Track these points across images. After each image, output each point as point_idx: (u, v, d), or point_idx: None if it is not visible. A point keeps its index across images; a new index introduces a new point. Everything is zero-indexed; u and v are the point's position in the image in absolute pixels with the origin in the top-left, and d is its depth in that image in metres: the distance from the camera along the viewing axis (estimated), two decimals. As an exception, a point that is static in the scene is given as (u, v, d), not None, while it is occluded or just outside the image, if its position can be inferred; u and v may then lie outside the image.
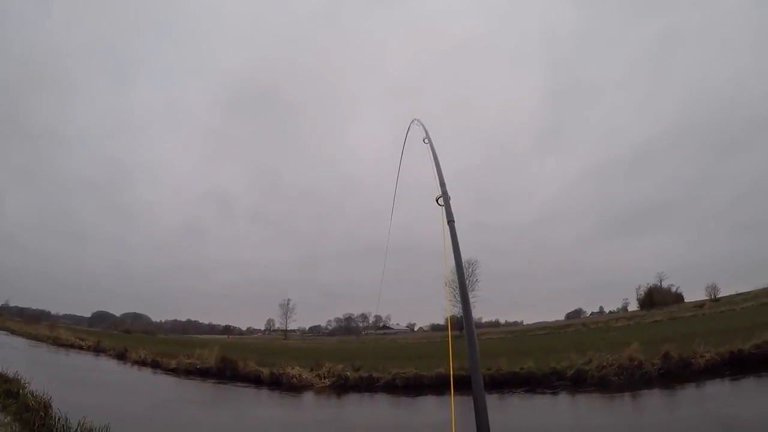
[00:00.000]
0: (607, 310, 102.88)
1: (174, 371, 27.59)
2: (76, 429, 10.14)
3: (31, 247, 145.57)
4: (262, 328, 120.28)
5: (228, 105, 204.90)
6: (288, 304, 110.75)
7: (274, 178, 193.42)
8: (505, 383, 18.69)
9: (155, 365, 30.02)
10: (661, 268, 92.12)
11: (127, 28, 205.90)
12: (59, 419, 10.80)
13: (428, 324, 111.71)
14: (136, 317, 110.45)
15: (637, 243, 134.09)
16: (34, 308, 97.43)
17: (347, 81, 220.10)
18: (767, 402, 12.93)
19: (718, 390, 15.53)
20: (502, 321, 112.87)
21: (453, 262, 2.87)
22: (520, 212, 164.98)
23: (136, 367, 30.82)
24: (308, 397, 20.62)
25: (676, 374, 17.56)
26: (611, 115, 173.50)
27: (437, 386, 19.86)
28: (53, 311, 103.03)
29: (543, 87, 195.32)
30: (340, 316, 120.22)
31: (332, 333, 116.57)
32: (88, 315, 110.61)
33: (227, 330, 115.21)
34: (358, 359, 25.83)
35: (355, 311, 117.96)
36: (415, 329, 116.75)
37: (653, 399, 15.60)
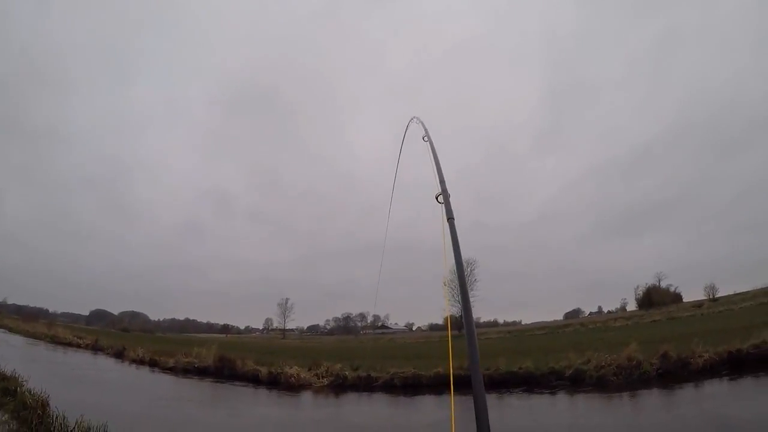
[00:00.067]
0: (605, 310, 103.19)
1: (172, 370, 27.55)
2: (74, 427, 10.10)
3: (29, 245, 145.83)
4: (261, 328, 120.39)
5: (228, 104, 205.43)
6: (286, 303, 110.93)
7: (274, 177, 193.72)
8: (503, 383, 18.68)
9: (153, 364, 29.97)
10: (659, 268, 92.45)
11: (127, 27, 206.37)
12: (57, 417, 10.75)
13: (427, 324, 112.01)
14: (134, 316, 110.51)
15: (636, 243, 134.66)
16: (32, 306, 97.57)
17: (347, 81, 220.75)
18: (765, 402, 12.92)
19: (717, 390, 15.55)
20: (500, 321, 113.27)
21: (453, 260, 2.85)
22: (519, 212, 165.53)
23: (134, 365, 30.75)
24: (306, 396, 20.60)
25: (674, 374, 17.58)
26: (611, 115, 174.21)
27: (435, 386, 19.84)
28: (51, 309, 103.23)
29: (543, 87, 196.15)
30: (339, 316, 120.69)
31: (330, 332, 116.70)
32: (86, 313, 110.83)
33: (225, 329, 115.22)
34: (356, 359, 25.82)
35: (354, 311, 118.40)
36: (414, 329, 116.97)
37: (651, 399, 15.60)
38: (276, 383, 22.71)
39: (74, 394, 15.85)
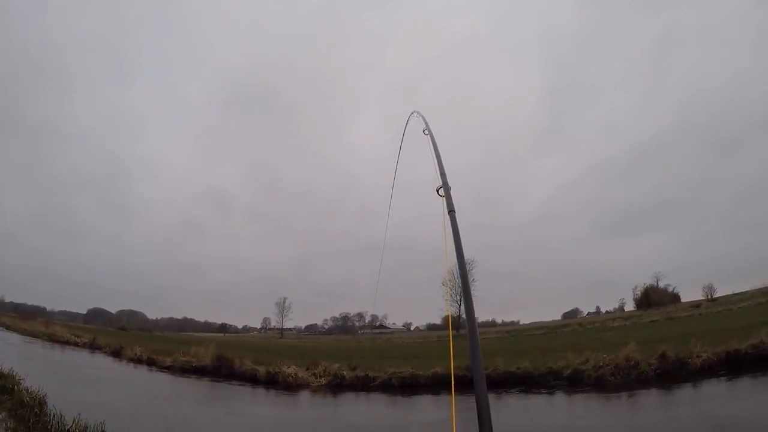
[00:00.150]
0: (603, 310, 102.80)
1: (169, 369, 27.49)
2: (72, 426, 10.08)
3: (27, 242, 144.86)
4: (259, 327, 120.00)
5: (227, 103, 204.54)
6: (284, 302, 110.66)
7: (273, 176, 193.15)
8: (501, 383, 18.66)
9: (151, 363, 29.90)
10: (658, 268, 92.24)
11: (127, 24, 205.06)
12: (54, 416, 10.74)
13: (425, 323, 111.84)
14: (131, 314, 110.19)
15: (635, 243, 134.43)
16: (29, 304, 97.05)
17: (347, 79, 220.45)
18: (763, 401, 12.93)
19: (715, 390, 15.55)
20: (498, 321, 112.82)
21: (454, 253, 2.83)
22: (517, 212, 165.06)
23: (131, 364, 30.66)
24: (304, 396, 20.58)
25: (672, 374, 17.60)
26: (610, 115, 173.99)
27: (433, 386, 19.84)
28: (49, 307, 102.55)
29: (542, 86, 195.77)
30: (337, 315, 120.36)
31: (329, 332, 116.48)
32: (84, 312, 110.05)
33: (223, 328, 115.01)
34: (354, 358, 25.80)
35: (352, 310, 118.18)
36: (412, 329, 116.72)
37: (649, 399, 15.62)
38: (274, 383, 22.69)
39: (71, 393, 15.81)
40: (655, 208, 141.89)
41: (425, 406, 18.16)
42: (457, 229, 2.90)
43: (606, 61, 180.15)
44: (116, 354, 34.88)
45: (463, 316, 2.62)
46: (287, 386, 22.08)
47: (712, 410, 12.65)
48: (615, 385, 17.47)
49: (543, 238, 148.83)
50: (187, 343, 35.86)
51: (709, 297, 78.24)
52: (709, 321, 38.14)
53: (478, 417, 2.13)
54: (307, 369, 23.70)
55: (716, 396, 14.94)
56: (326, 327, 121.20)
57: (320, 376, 22.68)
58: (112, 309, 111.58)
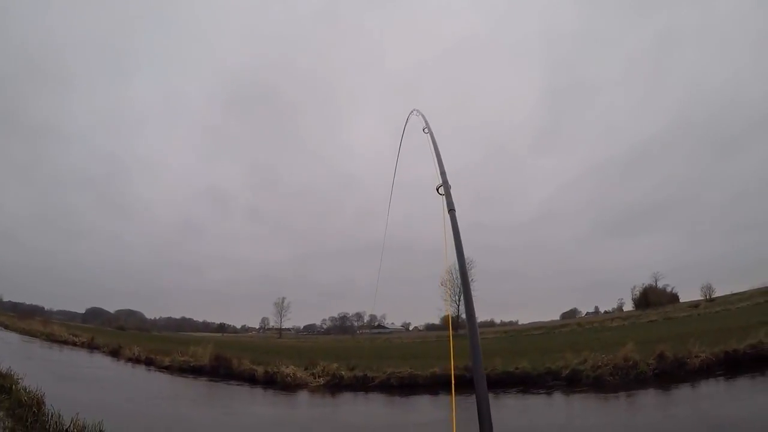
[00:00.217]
0: (602, 310, 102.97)
1: (168, 369, 27.45)
2: (70, 425, 10.06)
3: (26, 242, 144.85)
4: (257, 327, 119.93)
5: (227, 102, 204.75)
6: (283, 302, 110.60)
7: (272, 176, 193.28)
8: (499, 383, 18.63)
9: (149, 362, 29.85)
10: (656, 268, 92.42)
11: (127, 24, 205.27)
12: (52, 415, 10.72)
13: (423, 323, 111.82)
14: (130, 314, 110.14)
15: (634, 243, 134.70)
16: (28, 303, 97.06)
17: (347, 79, 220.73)
18: (760, 401, 12.93)
19: (713, 390, 15.55)
20: (497, 321, 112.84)
21: (454, 252, 2.82)
22: (517, 212, 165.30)
23: (129, 364, 30.62)
24: (302, 396, 20.56)
25: (671, 374, 17.61)
26: (610, 115, 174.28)
27: (432, 386, 19.82)
28: (47, 307, 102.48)
29: (542, 86, 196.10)
30: (335, 315, 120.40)
31: (327, 332, 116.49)
32: (82, 311, 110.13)
33: (221, 328, 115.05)
34: (353, 358, 25.80)
35: (350, 310, 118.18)
36: (410, 329, 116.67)
37: (648, 399, 15.61)
38: (272, 383, 22.65)
39: (70, 393, 15.76)
40: (655, 208, 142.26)
41: (424, 406, 18.15)
42: (457, 227, 2.89)
43: (606, 61, 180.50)
44: (114, 354, 34.83)
45: (462, 316, 2.62)
46: (286, 386, 22.05)
47: (710, 410, 12.66)
48: (613, 385, 17.47)
49: (542, 238, 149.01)
50: (186, 342, 35.83)
51: (707, 297, 78.45)
52: (708, 321, 38.20)
53: (479, 417, 2.12)
54: (306, 369, 23.68)
55: (715, 396, 14.94)
56: (325, 327, 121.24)
57: (319, 376, 22.65)
58: (111, 309, 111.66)
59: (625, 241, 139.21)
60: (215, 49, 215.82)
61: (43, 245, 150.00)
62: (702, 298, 78.81)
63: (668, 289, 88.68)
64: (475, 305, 2.59)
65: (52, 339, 44.60)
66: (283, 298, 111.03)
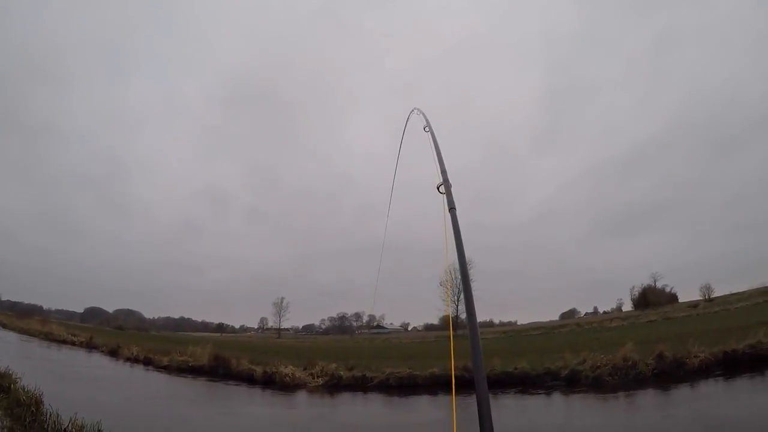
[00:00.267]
0: (601, 310, 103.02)
1: (166, 368, 27.41)
2: (68, 425, 10.03)
3: (24, 241, 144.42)
4: (256, 327, 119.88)
5: (226, 102, 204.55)
6: (282, 302, 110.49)
7: (272, 176, 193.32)
8: (498, 383, 18.62)
9: (147, 362, 29.81)
10: (655, 268, 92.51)
11: (126, 23, 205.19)
12: (51, 415, 10.69)
13: (422, 324, 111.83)
14: (128, 314, 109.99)
15: (633, 243, 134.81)
16: (26, 303, 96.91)
17: (346, 79, 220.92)
18: (759, 401, 12.93)
19: (712, 390, 15.57)
20: (496, 321, 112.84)
21: (454, 251, 2.81)
22: (516, 212, 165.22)
23: (128, 363, 30.58)
24: (301, 396, 20.54)
25: (670, 374, 17.62)
26: (609, 115, 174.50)
27: (431, 386, 19.82)
28: (46, 306, 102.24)
29: (542, 86, 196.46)
30: (334, 315, 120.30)
31: (326, 332, 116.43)
32: (81, 311, 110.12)
33: (220, 328, 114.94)
34: (351, 358, 25.79)
35: (349, 310, 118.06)
36: (409, 329, 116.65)
37: (647, 399, 15.62)
38: (271, 383, 22.62)
39: (68, 392, 15.74)
40: (654, 208, 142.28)
41: (423, 406, 18.15)
42: (458, 226, 2.88)
43: (605, 62, 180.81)
44: (113, 353, 34.77)
45: (461, 316, 2.61)
46: (284, 386, 22.03)
47: (709, 410, 12.65)
48: (612, 386, 17.47)
49: (541, 239, 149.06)
50: (184, 342, 35.82)
51: (706, 297, 78.51)
52: (707, 321, 38.23)
53: (479, 417, 2.10)
54: (305, 369, 23.64)
55: (713, 396, 14.95)
56: (323, 327, 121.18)
57: (317, 376, 22.63)
58: (109, 308, 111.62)
59: (624, 241, 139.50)
60: (215, 49, 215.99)
61: (42, 244, 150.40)
62: (701, 298, 78.87)
63: (667, 290, 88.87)
64: (475, 305, 2.58)
65: (50, 338, 44.57)
66: (282, 298, 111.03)
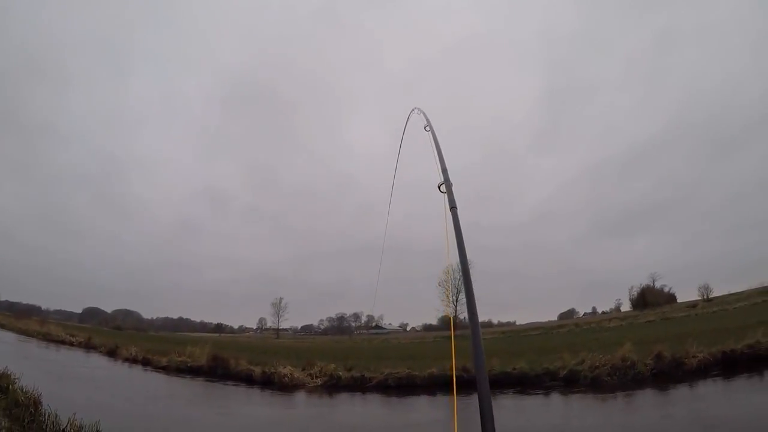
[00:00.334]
0: (599, 311, 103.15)
1: (165, 369, 27.36)
2: (67, 426, 10.02)
3: (22, 240, 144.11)
4: (254, 327, 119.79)
5: (225, 101, 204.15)
6: (280, 302, 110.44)
7: (271, 175, 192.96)
8: (496, 383, 18.61)
9: (146, 363, 29.76)
10: (654, 269, 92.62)
11: (125, 23, 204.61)
12: (49, 415, 10.67)
13: (420, 324, 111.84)
14: (127, 314, 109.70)
15: (631, 243, 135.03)
16: (24, 303, 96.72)
17: (345, 79, 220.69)
18: (757, 401, 12.96)
19: (711, 390, 15.59)
20: (494, 321, 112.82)
21: (455, 251, 2.81)
22: (515, 212, 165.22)
23: (126, 364, 30.53)
24: (300, 396, 20.53)
25: (668, 374, 17.64)
26: (609, 115, 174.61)
27: (429, 386, 19.82)
28: (44, 306, 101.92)
29: (541, 86, 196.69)
30: (333, 316, 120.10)
31: (324, 332, 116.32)
32: (79, 311, 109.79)
33: (219, 328, 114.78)
34: (350, 359, 25.78)
35: (348, 311, 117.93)
36: (408, 329, 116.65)
37: (645, 399, 15.64)
38: (269, 383, 22.60)
39: (67, 392, 15.74)
40: (653, 208, 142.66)
41: (421, 406, 18.17)
42: (459, 226, 2.88)
43: (604, 62, 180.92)
44: (111, 354, 34.69)
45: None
46: (283, 387, 22.00)
47: (707, 410, 12.67)
48: (611, 386, 17.48)
49: (540, 239, 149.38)
50: (183, 343, 35.77)
51: (705, 297, 78.58)
52: (705, 321, 38.29)
53: (481, 417, 2.10)
54: (303, 369, 23.62)
55: (712, 396, 14.97)
56: (322, 327, 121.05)
57: (316, 377, 22.61)
58: (108, 308, 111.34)
59: (623, 241, 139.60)
60: (214, 49, 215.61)
61: (41, 244, 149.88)
62: (700, 299, 78.95)
63: (666, 290, 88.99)
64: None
65: (48, 339, 44.49)
66: (281, 299, 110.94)
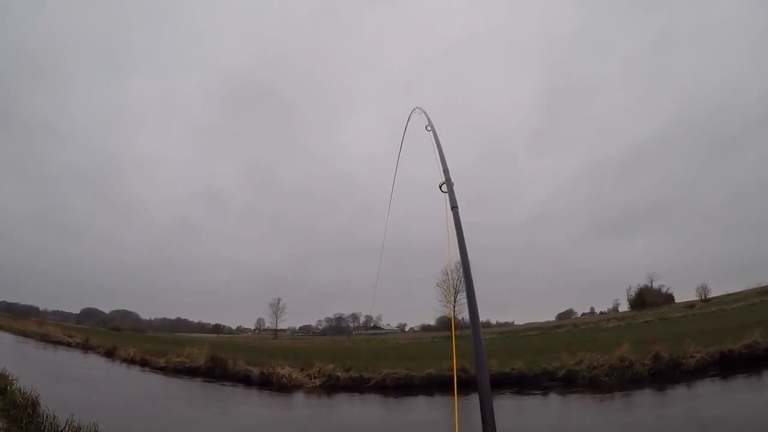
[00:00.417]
0: (597, 311, 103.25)
1: (163, 370, 27.31)
2: (65, 426, 10.00)
3: (21, 241, 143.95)
4: (253, 328, 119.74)
5: (225, 101, 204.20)
6: (278, 303, 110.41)
7: (270, 175, 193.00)
8: (495, 383, 18.46)
9: (144, 363, 29.71)
10: (652, 269, 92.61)
11: (125, 22, 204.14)
12: (47, 416, 10.66)
13: (419, 324, 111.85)
14: (125, 314, 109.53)
15: (630, 243, 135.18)
16: (22, 304, 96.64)
17: (345, 79, 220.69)
18: (755, 401, 12.98)
19: (708, 390, 15.61)
20: (493, 321, 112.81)
21: (456, 250, 2.82)
22: (514, 212, 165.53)
23: (124, 365, 30.47)
24: (298, 397, 20.50)
25: (666, 374, 17.65)
26: (608, 115, 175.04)
27: (428, 387, 19.83)
28: (42, 307, 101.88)
29: (540, 86, 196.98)
30: (331, 316, 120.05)
31: (323, 333, 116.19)
32: (77, 312, 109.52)
33: (217, 329, 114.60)
34: (348, 359, 25.77)
35: (346, 311, 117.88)
36: (406, 330, 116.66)
37: (643, 399, 15.66)
38: (268, 383, 22.58)
39: (65, 393, 15.72)
40: (651, 208, 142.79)
41: (420, 407, 18.16)
42: (460, 225, 2.89)
43: (604, 62, 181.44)
44: (110, 354, 34.64)
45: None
46: (281, 387, 21.98)
47: (705, 410, 12.69)
48: (609, 386, 17.50)
49: (539, 239, 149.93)
50: (181, 343, 35.69)
51: (703, 297, 78.66)
52: (703, 321, 38.30)
53: (482, 417, 2.10)
54: (302, 370, 23.60)
55: (710, 396, 14.99)
56: (320, 328, 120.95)
57: (314, 377, 22.60)
58: (106, 309, 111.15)
59: (621, 241, 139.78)
60: (213, 49, 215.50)
61: (39, 244, 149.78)
62: (697, 299, 79.00)
63: (664, 290, 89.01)
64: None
65: (46, 339, 44.40)
66: (279, 299, 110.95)
